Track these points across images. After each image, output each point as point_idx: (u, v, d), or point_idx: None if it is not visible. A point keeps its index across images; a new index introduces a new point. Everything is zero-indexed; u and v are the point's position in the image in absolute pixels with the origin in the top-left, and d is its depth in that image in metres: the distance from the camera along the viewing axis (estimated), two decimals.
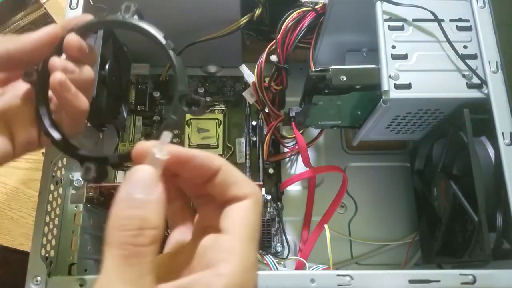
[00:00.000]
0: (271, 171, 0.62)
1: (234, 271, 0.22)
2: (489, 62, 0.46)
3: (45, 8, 0.69)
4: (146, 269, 0.21)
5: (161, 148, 0.23)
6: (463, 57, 0.46)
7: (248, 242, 0.23)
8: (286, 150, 0.63)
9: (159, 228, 0.22)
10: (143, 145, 0.24)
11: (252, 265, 0.23)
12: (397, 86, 0.45)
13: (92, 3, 0.52)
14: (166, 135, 0.24)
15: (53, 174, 0.44)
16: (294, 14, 0.52)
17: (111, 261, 0.21)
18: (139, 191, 0.22)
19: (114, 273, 0.20)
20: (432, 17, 0.47)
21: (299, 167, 0.65)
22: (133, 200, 0.21)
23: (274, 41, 0.52)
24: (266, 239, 0.59)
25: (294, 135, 0.58)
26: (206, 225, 0.26)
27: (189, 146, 0.61)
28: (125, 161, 0.29)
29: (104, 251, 0.21)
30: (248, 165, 0.62)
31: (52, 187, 0.43)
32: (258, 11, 0.57)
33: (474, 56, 0.46)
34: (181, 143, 0.63)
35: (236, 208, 0.24)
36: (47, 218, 0.42)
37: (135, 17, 0.32)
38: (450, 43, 0.46)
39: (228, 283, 0.21)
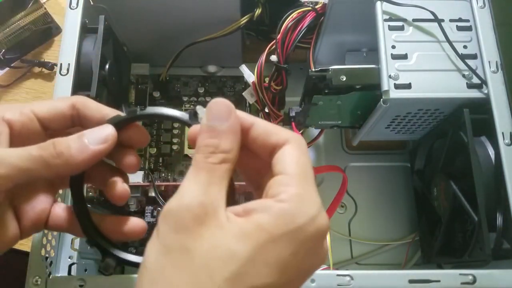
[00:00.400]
0: None
1: (292, 198, 0.24)
2: (489, 62, 0.46)
3: (45, 8, 0.69)
4: (215, 180, 0.25)
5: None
6: (463, 57, 0.46)
7: (302, 178, 0.25)
8: None
9: (230, 152, 0.26)
10: (193, 128, 0.28)
11: (310, 198, 0.25)
12: (397, 86, 0.45)
13: (92, 3, 0.52)
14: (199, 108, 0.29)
15: None
16: (294, 14, 0.52)
17: (189, 173, 0.25)
18: (215, 121, 0.26)
19: (190, 178, 0.25)
20: (432, 17, 0.47)
21: None
22: (209, 130, 0.26)
23: (274, 41, 0.52)
24: None
25: None
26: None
27: (189, 146, 0.61)
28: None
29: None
30: None
31: None
32: (258, 11, 0.57)
33: (474, 56, 0.46)
34: (181, 143, 0.63)
35: (281, 153, 0.26)
36: None
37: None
38: (450, 43, 0.46)
39: (286, 207, 0.24)
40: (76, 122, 0.33)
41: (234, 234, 0.23)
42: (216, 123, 0.26)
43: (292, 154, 0.26)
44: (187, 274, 0.22)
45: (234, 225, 0.24)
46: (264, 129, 0.27)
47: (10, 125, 0.30)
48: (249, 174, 0.30)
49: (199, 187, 0.24)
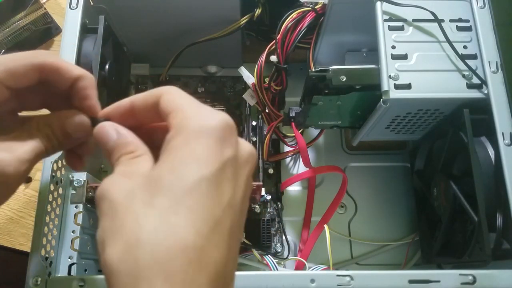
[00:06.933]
0: (271, 171, 0.62)
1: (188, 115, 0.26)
2: (489, 62, 0.46)
3: (45, 8, 0.69)
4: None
5: None
6: (463, 57, 0.46)
7: (191, 102, 0.27)
8: (286, 150, 0.64)
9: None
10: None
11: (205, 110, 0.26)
12: (397, 86, 0.45)
13: (92, 3, 0.52)
14: None
15: (53, 174, 0.44)
16: (294, 14, 0.52)
17: None
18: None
19: None
20: (432, 17, 0.47)
21: (299, 167, 0.65)
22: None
23: (274, 41, 0.52)
24: (266, 239, 0.59)
25: (294, 135, 0.58)
26: None
27: None
28: None
29: None
30: None
31: (52, 187, 0.43)
32: (258, 11, 0.57)
33: (474, 56, 0.46)
34: None
35: (161, 102, 0.28)
36: (47, 218, 0.42)
37: None
38: (450, 43, 0.46)
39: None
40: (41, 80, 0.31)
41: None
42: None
43: (169, 99, 0.27)
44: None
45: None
46: (142, 99, 0.30)
47: None
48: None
49: None
